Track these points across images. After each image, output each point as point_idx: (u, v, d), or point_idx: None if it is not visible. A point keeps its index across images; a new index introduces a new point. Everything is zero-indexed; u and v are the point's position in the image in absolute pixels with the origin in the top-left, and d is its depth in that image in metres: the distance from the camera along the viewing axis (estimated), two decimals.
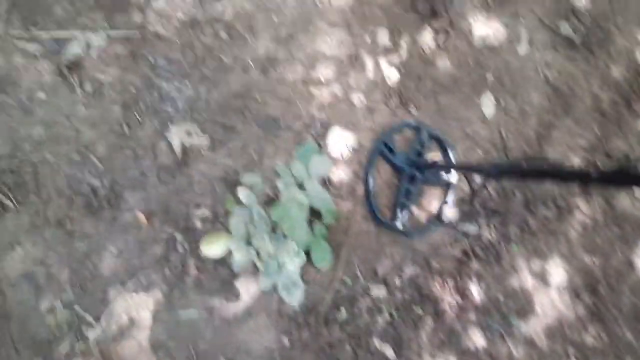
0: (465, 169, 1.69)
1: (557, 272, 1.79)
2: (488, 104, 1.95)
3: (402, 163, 1.69)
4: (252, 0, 1.79)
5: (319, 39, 1.82)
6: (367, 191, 1.67)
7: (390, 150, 1.71)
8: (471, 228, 1.74)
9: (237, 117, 1.66)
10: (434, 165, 1.64)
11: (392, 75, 1.88)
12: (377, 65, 1.86)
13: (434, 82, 1.91)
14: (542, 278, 1.77)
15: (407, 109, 1.84)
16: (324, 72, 1.80)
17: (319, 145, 1.70)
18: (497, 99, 1.95)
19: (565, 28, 2.13)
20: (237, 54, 1.72)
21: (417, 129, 1.78)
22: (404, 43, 1.93)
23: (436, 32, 1.98)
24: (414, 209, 1.71)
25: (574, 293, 1.79)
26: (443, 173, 1.72)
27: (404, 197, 1.67)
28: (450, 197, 1.68)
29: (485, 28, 2.01)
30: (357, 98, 1.80)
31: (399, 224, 1.65)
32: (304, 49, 1.79)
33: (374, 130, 1.79)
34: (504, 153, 1.89)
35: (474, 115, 1.91)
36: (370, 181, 1.67)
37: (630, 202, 1.94)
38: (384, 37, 1.91)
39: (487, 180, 1.13)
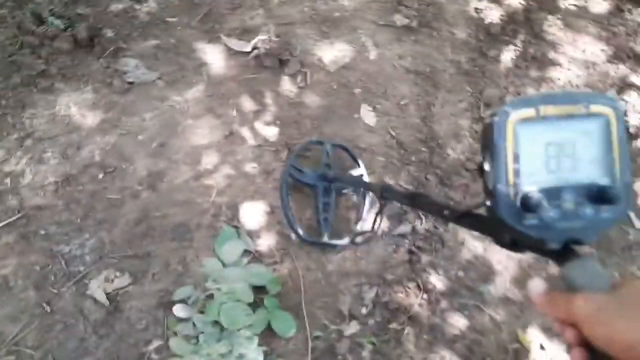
0: (361, 185, 1.77)
1: None
2: (368, 115, 2.05)
3: (313, 180, 1.77)
4: (112, 132, 1.84)
5: (190, 135, 1.88)
6: (287, 216, 1.72)
7: (299, 171, 1.79)
8: (404, 228, 1.79)
9: (146, 242, 1.67)
10: (339, 178, 1.74)
11: (271, 133, 1.96)
12: (253, 130, 1.94)
13: (311, 119, 2.01)
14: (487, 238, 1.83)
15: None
16: (209, 161, 1.86)
17: (236, 227, 1.73)
18: (373, 107, 2.07)
19: (400, 19, 2.31)
20: (121, 186, 1.75)
21: (320, 143, 1.88)
22: (268, 100, 2.03)
23: (292, 76, 2.09)
24: (337, 219, 1.80)
25: None
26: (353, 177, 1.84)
27: (323, 211, 1.74)
28: (367, 200, 1.74)
29: (333, 52, 2.15)
30: (250, 168, 1.86)
31: (325, 238, 1.70)
32: (180, 150, 1.85)
33: (278, 187, 1.84)
34: (402, 149, 1.98)
35: (360, 129, 2.00)
36: (287, 208, 1.73)
37: None
38: (248, 104, 2.00)
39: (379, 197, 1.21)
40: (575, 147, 0.58)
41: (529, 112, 0.57)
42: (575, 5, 2.45)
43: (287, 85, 2.06)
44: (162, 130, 1.86)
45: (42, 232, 1.65)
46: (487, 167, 0.59)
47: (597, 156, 0.59)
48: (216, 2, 2.20)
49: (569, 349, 0.56)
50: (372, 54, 2.19)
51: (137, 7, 2.13)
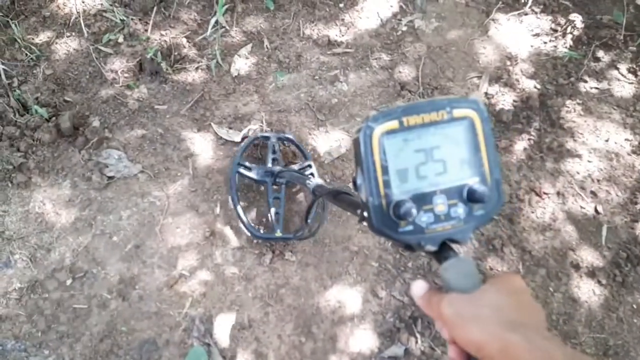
0: (298, 181, 1.77)
1: None
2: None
3: (260, 175, 1.86)
4: (86, 232, 1.81)
5: (168, 235, 1.84)
6: (238, 214, 1.80)
7: (247, 167, 1.87)
8: (396, 350, 1.68)
9: None
10: (282, 173, 1.80)
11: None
12: (237, 229, 1.88)
13: (300, 218, 1.93)
14: None
15: (284, 258, 1.84)
16: (186, 264, 1.80)
17: (208, 345, 1.64)
18: None
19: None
20: (89, 293, 1.71)
21: (265, 138, 1.97)
22: (257, 194, 1.98)
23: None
24: (292, 212, 1.92)
25: None
26: (302, 168, 1.93)
27: (273, 206, 1.83)
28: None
29: (328, 142, 2.10)
30: (229, 273, 1.79)
31: (278, 233, 1.78)
32: (156, 253, 1.80)
33: (260, 297, 1.76)
34: (398, 252, 1.88)
35: (352, 228, 1.93)
36: (238, 207, 1.80)
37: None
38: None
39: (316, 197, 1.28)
40: (442, 151, 0.63)
41: (393, 124, 0.61)
42: (597, 88, 2.36)
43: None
44: (139, 230, 1.82)
45: (0, 347, 1.59)
46: (359, 180, 0.63)
47: (465, 158, 0.63)
48: (209, 87, 2.20)
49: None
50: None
51: (128, 92, 2.14)
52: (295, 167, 1.96)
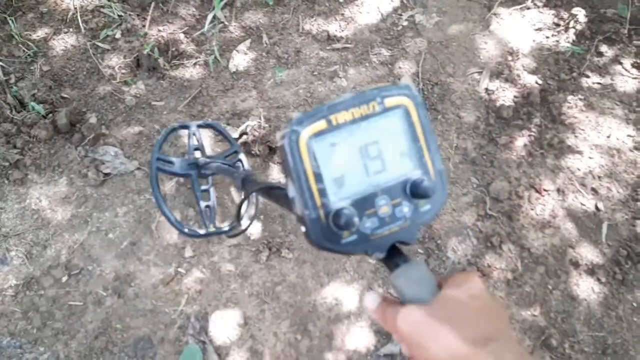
0: (225, 173, 1.60)
1: None
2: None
3: (184, 169, 1.67)
4: (82, 229, 1.81)
5: (164, 232, 1.84)
6: (165, 214, 1.62)
7: (168, 162, 1.68)
8: (392, 348, 1.67)
9: (103, 358, 1.59)
10: (206, 164, 1.63)
11: (254, 229, 1.89)
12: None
13: None
14: None
15: (280, 255, 1.82)
16: (182, 261, 1.79)
17: (203, 342, 1.64)
18: None
19: None
20: (84, 290, 1.70)
21: (185, 127, 1.79)
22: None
23: (281, 165, 2.02)
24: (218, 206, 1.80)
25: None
26: (227, 155, 1.78)
27: (202, 199, 1.69)
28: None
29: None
30: (226, 270, 1.78)
31: (211, 227, 1.64)
32: (152, 250, 1.80)
33: (256, 294, 1.75)
34: None
35: None
36: (164, 207, 1.62)
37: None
38: (232, 196, 1.93)
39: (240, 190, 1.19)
40: (379, 146, 0.57)
41: (320, 124, 0.55)
42: (599, 83, 2.32)
43: (276, 174, 2.00)
44: (135, 227, 1.81)
45: None
46: (291, 193, 0.57)
47: (404, 150, 0.58)
48: (207, 83, 2.18)
49: None
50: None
51: (125, 89, 2.13)
52: (221, 156, 1.80)
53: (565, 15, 2.51)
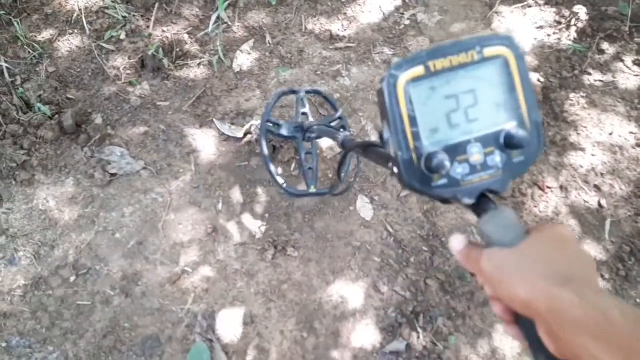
0: (328, 135, 1.66)
1: (508, 340, 1.72)
2: (364, 207, 1.97)
3: (291, 132, 1.78)
4: (89, 229, 1.81)
5: (171, 231, 1.84)
6: (271, 172, 1.75)
7: (276, 124, 1.79)
8: (397, 345, 1.67)
9: (113, 358, 1.60)
10: (312, 127, 1.71)
11: (258, 228, 1.89)
12: (239, 225, 1.88)
13: (303, 212, 1.93)
14: (495, 355, 1.69)
15: (286, 254, 1.83)
16: (188, 260, 1.80)
17: (211, 341, 1.65)
18: (370, 199, 1.98)
19: None
20: (92, 290, 1.71)
21: (293, 92, 1.91)
22: (258, 190, 1.97)
23: (286, 164, 2.03)
24: (320, 168, 1.90)
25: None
26: (332, 121, 1.84)
27: (306, 161, 1.79)
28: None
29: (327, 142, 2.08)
30: (231, 269, 1.79)
31: (312, 189, 1.75)
32: (159, 249, 1.80)
33: (263, 293, 1.76)
34: (400, 248, 1.87)
35: (355, 224, 1.92)
36: (269, 164, 1.76)
37: None
38: (236, 196, 1.95)
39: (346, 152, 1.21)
40: (475, 96, 0.57)
41: (418, 70, 0.56)
42: (601, 81, 2.32)
43: (281, 170, 2.00)
44: (142, 227, 1.82)
45: (4, 344, 1.60)
46: (386, 135, 0.59)
47: (500, 101, 0.58)
48: (211, 83, 2.19)
49: (491, 302, 0.57)
50: (373, 139, 2.10)
51: (130, 89, 2.13)
52: (326, 121, 1.88)
53: (566, 13, 2.51)
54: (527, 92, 0.58)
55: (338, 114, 1.89)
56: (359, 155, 1.07)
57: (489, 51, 0.57)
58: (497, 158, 0.58)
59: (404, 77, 0.56)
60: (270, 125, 1.80)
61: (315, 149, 1.84)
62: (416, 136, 0.57)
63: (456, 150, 0.57)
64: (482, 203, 0.59)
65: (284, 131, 1.79)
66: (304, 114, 1.87)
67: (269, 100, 1.89)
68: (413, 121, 0.56)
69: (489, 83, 0.58)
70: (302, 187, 1.94)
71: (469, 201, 0.59)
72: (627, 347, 0.42)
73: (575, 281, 0.47)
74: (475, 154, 0.58)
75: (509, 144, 0.57)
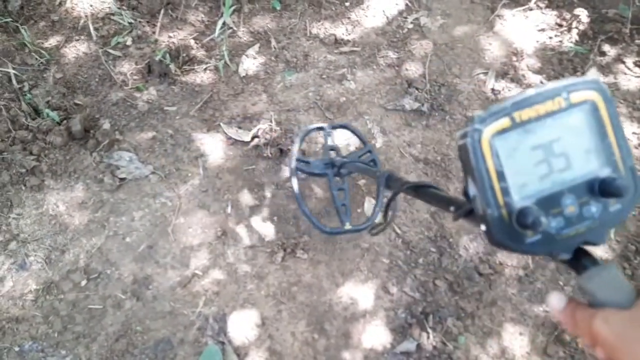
0: (363, 172, 1.66)
1: (517, 340, 1.72)
2: (372, 209, 1.97)
3: (321, 169, 1.77)
4: (99, 233, 1.82)
5: (180, 235, 1.84)
6: (305, 213, 1.72)
7: (306, 162, 1.78)
8: (408, 345, 1.68)
9: None
10: (345, 163, 1.70)
11: (267, 231, 1.90)
12: (248, 228, 1.89)
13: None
14: (505, 354, 1.70)
15: (295, 256, 1.84)
16: (199, 263, 1.81)
17: (222, 343, 1.65)
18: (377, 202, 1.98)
19: (409, 103, 2.25)
20: (104, 294, 1.71)
21: (320, 129, 1.89)
22: (267, 193, 1.99)
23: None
24: (354, 205, 1.89)
25: (543, 352, 1.71)
26: (362, 155, 1.84)
27: (339, 198, 1.74)
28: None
29: (337, 140, 2.09)
30: (241, 271, 1.79)
31: (348, 226, 1.69)
32: (169, 253, 1.81)
33: (273, 295, 1.77)
34: (408, 249, 1.88)
35: None
36: (302, 205, 1.73)
37: None
38: (244, 199, 1.95)
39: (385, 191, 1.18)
40: (564, 143, 0.55)
41: (504, 122, 0.54)
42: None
43: (287, 176, 2.01)
44: (151, 231, 1.82)
45: (17, 349, 1.60)
46: (472, 192, 0.56)
47: (591, 146, 0.55)
48: (217, 88, 2.20)
49: None
50: (379, 141, 2.12)
51: (137, 95, 2.14)
52: (355, 156, 1.88)
53: (567, 15, 2.53)
54: (619, 137, 0.56)
55: (367, 148, 1.88)
56: (411, 195, 1.05)
57: (576, 96, 0.55)
58: (593, 208, 0.55)
59: (488, 130, 0.54)
60: (301, 163, 1.78)
61: (347, 185, 1.80)
62: (505, 191, 0.54)
63: (549, 203, 0.55)
64: (580, 258, 0.55)
65: (314, 169, 1.77)
66: (332, 149, 1.85)
67: (296, 140, 1.86)
68: (501, 176, 0.54)
69: (578, 129, 0.55)
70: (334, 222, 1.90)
71: (566, 256, 0.56)
72: None
73: None
74: (570, 206, 0.55)
75: (604, 191, 0.54)
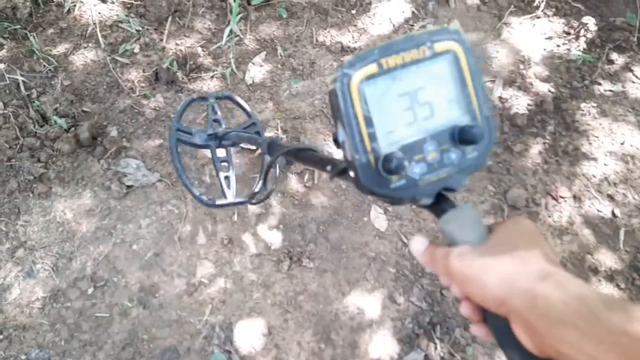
0: (247, 141, 1.66)
1: None
2: (378, 218, 1.97)
3: (203, 140, 1.66)
4: (106, 241, 1.82)
5: (186, 243, 1.85)
6: (185, 183, 1.63)
7: (188, 133, 1.67)
8: (415, 356, 1.67)
9: None
10: (227, 134, 1.62)
11: (273, 239, 1.90)
12: (254, 236, 1.89)
13: (317, 223, 1.94)
14: None
15: (301, 265, 1.84)
16: (205, 272, 1.81)
17: (229, 352, 1.65)
18: (384, 209, 1.98)
19: None
20: (110, 302, 1.72)
21: (203, 99, 1.78)
22: (272, 201, 1.98)
23: (299, 175, 2.05)
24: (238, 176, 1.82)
25: None
26: (246, 127, 1.78)
27: (221, 170, 1.67)
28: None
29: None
30: (247, 280, 1.79)
31: (230, 197, 1.61)
32: (175, 261, 1.81)
33: (279, 304, 1.76)
34: (415, 259, 1.87)
35: (369, 234, 1.92)
36: (182, 175, 1.63)
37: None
38: (251, 207, 1.95)
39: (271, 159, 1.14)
40: (428, 92, 0.57)
41: (371, 68, 0.54)
42: (611, 90, 2.34)
43: (293, 185, 2.01)
44: (158, 239, 1.83)
45: (23, 357, 1.61)
46: (341, 137, 0.56)
47: (452, 96, 0.57)
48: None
49: (458, 303, 0.54)
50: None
51: (145, 102, 2.15)
52: (239, 128, 1.82)
53: (575, 24, 2.53)
54: (477, 87, 0.58)
55: (252, 120, 1.81)
56: (291, 159, 1.04)
57: (439, 46, 0.56)
58: (452, 155, 0.57)
59: (357, 75, 0.53)
60: (181, 134, 1.66)
61: (230, 157, 1.74)
62: (372, 137, 0.55)
63: (413, 149, 0.56)
64: (440, 202, 0.58)
65: (196, 140, 1.68)
66: (216, 120, 1.76)
67: (178, 108, 1.79)
68: (369, 121, 0.54)
69: (441, 79, 0.57)
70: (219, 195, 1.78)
71: (428, 201, 0.58)
72: (613, 338, 0.40)
73: (552, 274, 0.45)
74: (432, 152, 0.57)
75: (462, 139, 0.56)
